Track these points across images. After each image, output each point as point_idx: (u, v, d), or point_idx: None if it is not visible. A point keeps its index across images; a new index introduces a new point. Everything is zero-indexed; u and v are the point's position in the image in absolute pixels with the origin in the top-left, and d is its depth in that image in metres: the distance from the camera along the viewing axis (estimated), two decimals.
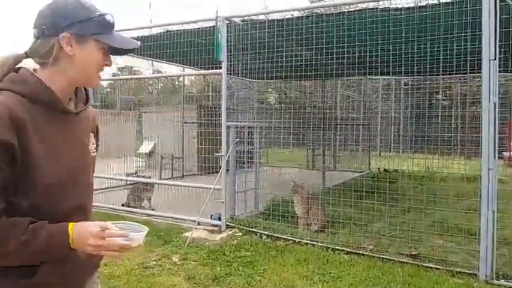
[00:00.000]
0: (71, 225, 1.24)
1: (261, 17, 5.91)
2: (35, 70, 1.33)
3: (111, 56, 1.39)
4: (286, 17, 5.61)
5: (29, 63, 1.36)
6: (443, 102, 13.80)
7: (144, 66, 11.22)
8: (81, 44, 1.30)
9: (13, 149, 1.18)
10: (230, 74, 6.02)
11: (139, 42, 1.47)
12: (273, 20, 5.62)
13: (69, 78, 1.33)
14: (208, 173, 8.90)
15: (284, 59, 5.97)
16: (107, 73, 8.36)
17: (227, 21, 5.56)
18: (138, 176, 7.81)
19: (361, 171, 11.26)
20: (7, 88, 1.25)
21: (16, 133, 1.18)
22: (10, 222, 1.19)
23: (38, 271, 1.25)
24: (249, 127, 6.78)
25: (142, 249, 4.56)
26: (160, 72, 14.62)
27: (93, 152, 1.49)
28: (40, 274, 1.26)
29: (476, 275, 4.03)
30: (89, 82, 1.40)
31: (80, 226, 1.25)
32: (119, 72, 10.20)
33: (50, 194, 1.27)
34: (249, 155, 6.61)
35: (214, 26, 5.84)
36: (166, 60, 9.23)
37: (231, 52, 5.68)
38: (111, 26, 1.35)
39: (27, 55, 1.33)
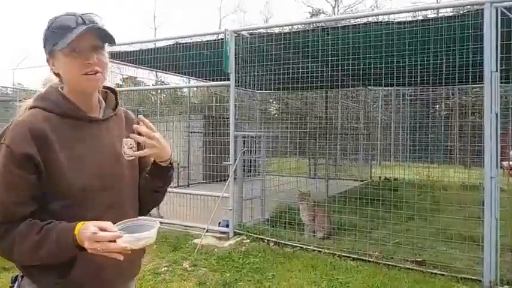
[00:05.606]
0: (78, 224, 1.22)
1: (268, 30, 6.06)
2: (62, 88, 1.42)
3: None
4: (292, 30, 5.75)
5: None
6: (444, 112, 13.96)
7: (147, 77, 11.27)
8: (56, 60, 1.37)
9: (33, 159, 1.26)
10: (238, 85, 6.14)
11: (97, 25, 1.34)
12: (280, 33, 5.75)
13: (71, 90, 1.40)
14: (214, 182, 8.98)
15: (290, 70, 6.10)
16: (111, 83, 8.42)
17: (235, 34, 5.70)
18: None
19: (363, 180, 11.36)
20: (35, 106, 1.36)
21: (36, 145, 1.26)
22: (29, 223, 1.26)
23: (71, 271, 1.31)
24: (254, 137, 6.88)
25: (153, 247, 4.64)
26: (163, 82, 14.67)
27: (127, 155, 1.49)
28: (73, 273, 1.31)
29: (480, 280, 4.11)
30: (83, 88, 1.38)
31: (83, 226, 1.21)
32: (122, 83, 10.32)
33: (77, 198, 1.33)
34: (254, 164, 6.72)
35: (218, 39, 5.99)
36: (174, 72, 9.37)
37: (238, 64, 5.79)
38: (65, 27, 1.30)
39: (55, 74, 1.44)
